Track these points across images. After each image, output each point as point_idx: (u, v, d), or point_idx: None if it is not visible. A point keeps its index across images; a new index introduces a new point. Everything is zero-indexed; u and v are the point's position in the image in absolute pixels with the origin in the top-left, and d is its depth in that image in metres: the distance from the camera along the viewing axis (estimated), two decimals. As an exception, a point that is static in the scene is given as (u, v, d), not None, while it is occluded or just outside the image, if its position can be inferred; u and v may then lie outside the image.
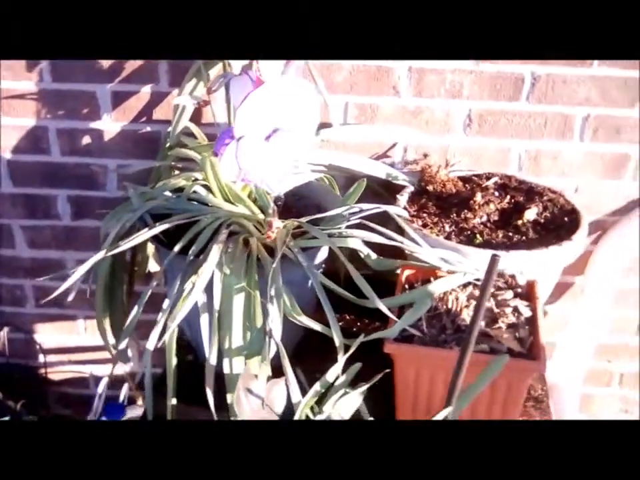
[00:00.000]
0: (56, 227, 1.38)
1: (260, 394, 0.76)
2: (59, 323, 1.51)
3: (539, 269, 0.98)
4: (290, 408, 0.81)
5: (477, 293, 0.93)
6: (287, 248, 0.88)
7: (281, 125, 0.79)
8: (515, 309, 0.91)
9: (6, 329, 1.53)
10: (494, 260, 0.68)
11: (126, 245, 0.88)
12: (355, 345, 0.84)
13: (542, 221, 1.06)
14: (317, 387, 0.82)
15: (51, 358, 1.57)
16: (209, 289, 0.83)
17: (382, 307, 0.83)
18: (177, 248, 0.87)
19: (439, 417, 0.73)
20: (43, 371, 1.57)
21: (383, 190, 1.18)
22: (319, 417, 0.80)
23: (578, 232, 1.01)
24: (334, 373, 0.83)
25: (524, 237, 1.01)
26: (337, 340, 0.84)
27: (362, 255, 0.94)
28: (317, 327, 0.84)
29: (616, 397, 1.50)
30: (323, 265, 1.02)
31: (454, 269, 0.93)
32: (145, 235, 0.88)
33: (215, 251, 0.82)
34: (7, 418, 1.40)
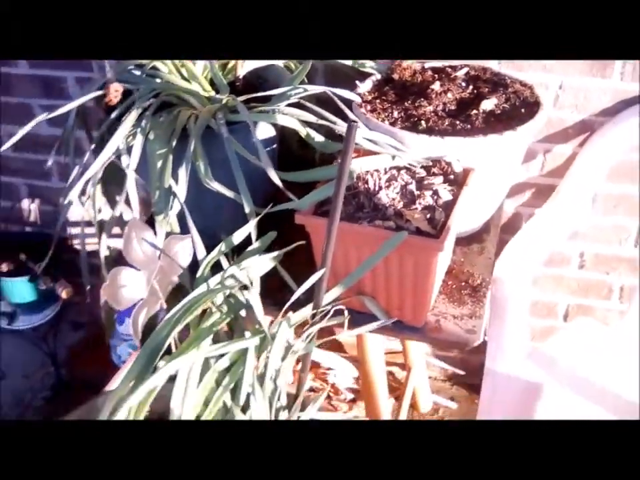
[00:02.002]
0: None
1: (156, 245, 0.82)
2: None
3: (479, 158, 0.97)
4: (195, 264, 0.87)
5: (399, 176, 0.94)
6: (213, 120, 0.93)
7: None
8: (435, 192, 0.92)
9: (37, 201, 1.69)
10: (351, 127, 0.70)
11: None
12: (265, 211, 0.89)
13: (498, 112, 1.03)
14: (222, 246, 0.88)
15: (78, 229, 1.71)
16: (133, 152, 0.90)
17: (274, 177, 0.86)
18: (113, 114, 0.94)
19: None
20: (70, 241, 1.72)
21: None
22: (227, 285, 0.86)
23: (526, 124, 0.98)
24: (240, 235, 0.88)
25: (469, 126, 0.99)
26: (247, 206, 0.89)
27: (302, 135, 0.97)
28: (229, 193, 0.89)
29: (615, 312, 1.46)
30: (274, 146, 1.06)
31: (380, 150, 0.94)
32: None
33: (133, 115, 0.87)
34: (26, 277, 1.57)
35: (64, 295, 1.54)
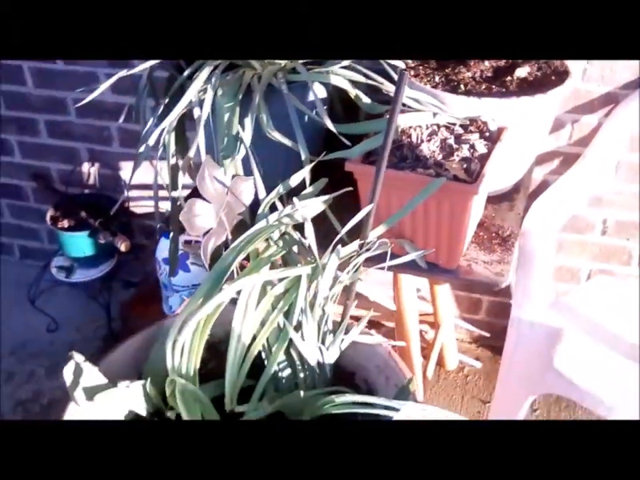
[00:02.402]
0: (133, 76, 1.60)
1: (225, 183, 0.94)
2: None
3: (512, 118, 1.07)
4: (256, 204, 0.99)
5: (439, 132, 1.05)
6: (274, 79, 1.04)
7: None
8: (472, 146, 1.02)
9: (97, 165, 1.82)
10: (402, 74, 0.80)
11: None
12: (318, 159, 1.00)
13: (531, 79, 1.13)
14: (279, 188, 1.00)
15: (134, 193, 1.84)
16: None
17: (330, 125, 0.97)
18: (185, 73, 1.06)
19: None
20: (127, 204, 1.85)
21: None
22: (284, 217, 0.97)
23: (555, 88, 1.08)
24: (296, 179, 1.00)
25: (504, 90, 1.10)
26: (303, 154, 1.00)
27: (352, 96, 1.09)
28: (287, 142, 1.00)
29: (634, 277, 1.55)
30: (325, 107, 1.17)
31: (422, 108, 1.05)
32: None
33: (204, 73, 0.99)
34: (86, 232, 1.70)
35: (123, 247, 1.67)
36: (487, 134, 1.06)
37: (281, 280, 0.96)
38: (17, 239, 2.12)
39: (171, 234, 1.16)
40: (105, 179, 1.84)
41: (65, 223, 1.76)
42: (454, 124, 1.06)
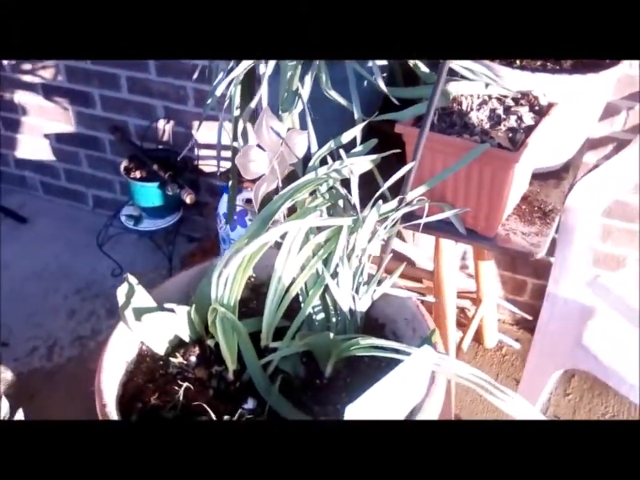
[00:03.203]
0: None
1: (280, 132, 1.01)
2: (211, 123, 1.86)
3: (563, 95, 1.10)
4: (307, 157, 1.06)
5: (489, 102, 1.09)
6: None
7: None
8: (519, 118, 1.06)
9: (172, 122, 1.93)
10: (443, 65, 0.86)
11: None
12: (370, 119, 1.06)
13: (585, 60, 1.16)
14: (331, 143, 1.06)
15: (204, 152, 1.94)
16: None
17: (383, 87, 1.03)
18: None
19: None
20: (196, 162, 1.95)
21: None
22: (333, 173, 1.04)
23: (609, 69, 1.10)
24: (348, 136, 1.06)
25: (558, 67, 1.13)
26: (356, 113, 1.06)
27: (411, 64, 1.14)
28: (343, 101, 1.07)
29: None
30: (384, 75, 1.22)
31: (475, 78, 1.09)
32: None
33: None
34: (156, 184, 1.81)
35: (188, 200, 1.77)
36: (537, 108, 1.09)
37: (322, 230, 1.03)
38: (91, 189, 2.26)
39: (230, 182, 1.24)
40: (177, 136, 1.94)
41: (137, 174, 1.88)
42: (505, 96, 1.10)
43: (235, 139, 1.18)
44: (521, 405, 0.88)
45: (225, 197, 1.74)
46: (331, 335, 1.00)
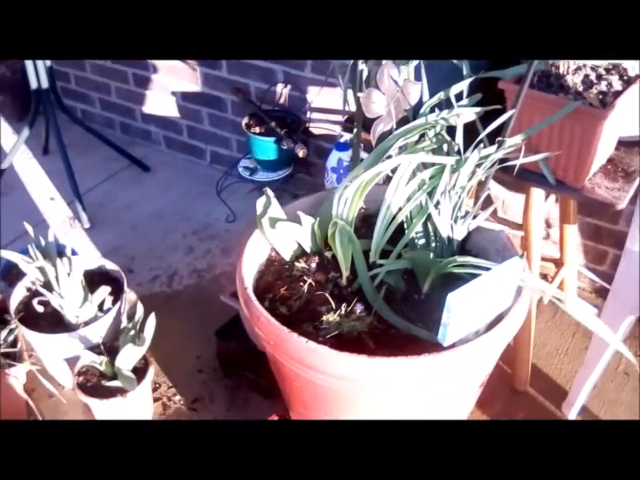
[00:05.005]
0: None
1: (398, 81, 1.19)
2: (325, 88, 2.06)
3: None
4: (419, 105, 1.23)
5: (584, 69, 1.23)
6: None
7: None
8: (609, 84, 1.20)
9: (289, 86, 2.14)
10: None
11: None
12: (477, 76, 1.22)
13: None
14: (441, 95, 1.23)
15: (316, 115, 2.14)
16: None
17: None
18: None
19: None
20: (308, 124, 2.15)
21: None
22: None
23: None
24: (456, 89, 1.23)
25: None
26: (465, 69, 1.23)
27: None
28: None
29: None
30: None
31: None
32: None
33: None
34: (273, 139, 2.03)
35: (301, 154, 1.99)
36: (625, 77, 1.23)
37: (428, 167, 1.20)
38: (210, 145, 2.50)
39: (355, 130, 1.41)
40: (293, 100, 2.15)
41: (257, 130, 2.10)
42: (598, 66, 1.24)
43: (359, 89, 1.37)
44: (597, 323, 1.04)
45: (333, 153, 1.94)
46: (431, 254, 1.17)
